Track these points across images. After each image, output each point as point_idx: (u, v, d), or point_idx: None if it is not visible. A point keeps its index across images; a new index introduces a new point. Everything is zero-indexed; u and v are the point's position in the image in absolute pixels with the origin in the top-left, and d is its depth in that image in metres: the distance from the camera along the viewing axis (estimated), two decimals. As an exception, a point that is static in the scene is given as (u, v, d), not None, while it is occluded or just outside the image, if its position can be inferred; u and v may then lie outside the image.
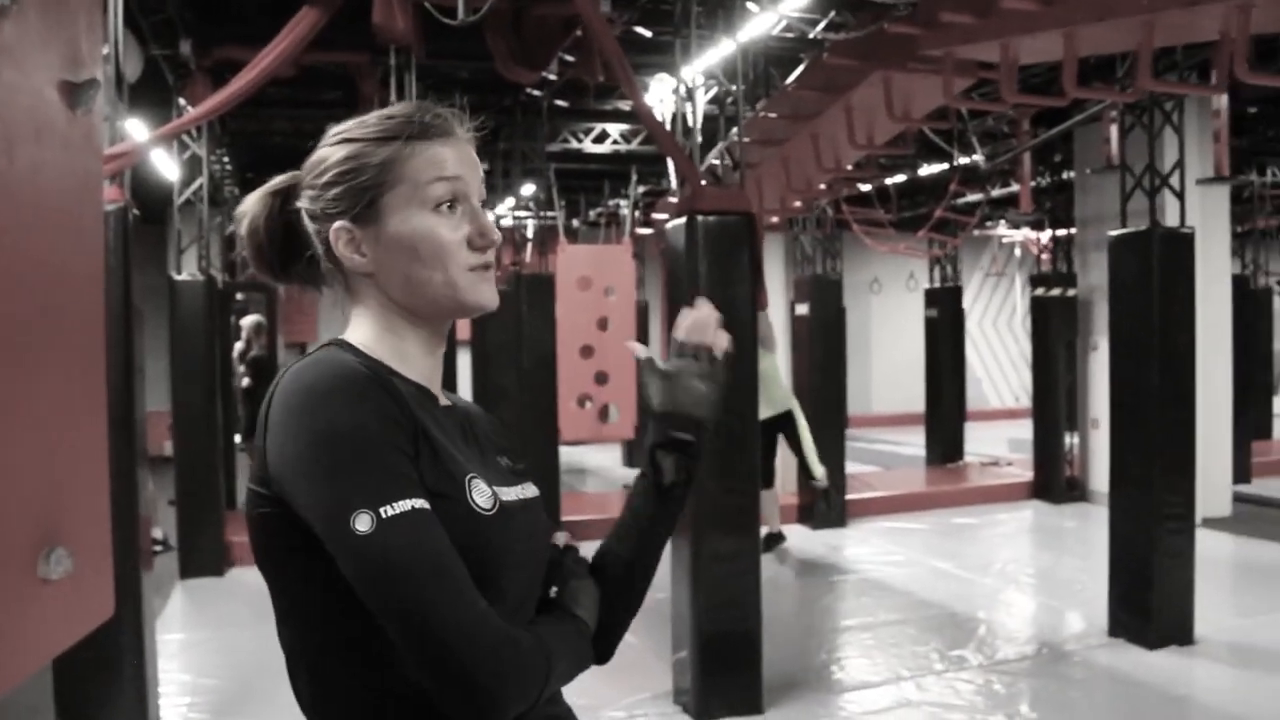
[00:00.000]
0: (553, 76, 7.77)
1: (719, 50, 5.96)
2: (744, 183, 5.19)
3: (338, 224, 1.20)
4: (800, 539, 8.66)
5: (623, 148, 11.18)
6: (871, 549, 8.38)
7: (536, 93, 8.72)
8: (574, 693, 1.26)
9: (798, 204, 8.87)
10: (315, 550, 1.07)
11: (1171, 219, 5.94)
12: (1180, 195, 5.98)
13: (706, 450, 1.31)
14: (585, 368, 9.64)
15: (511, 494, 1.22)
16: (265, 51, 4.75)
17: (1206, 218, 8.32)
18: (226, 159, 9.42)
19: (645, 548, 1.31)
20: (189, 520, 7.49)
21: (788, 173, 7.39)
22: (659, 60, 7.93)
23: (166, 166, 9.66)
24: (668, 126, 9.50)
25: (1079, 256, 10.07)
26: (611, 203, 13.55)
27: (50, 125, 1.31)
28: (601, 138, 11.03)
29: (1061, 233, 11.15)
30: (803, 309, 9.76)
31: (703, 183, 5.11)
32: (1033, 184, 10.71)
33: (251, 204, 1.28)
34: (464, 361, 9.44)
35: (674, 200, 9.80)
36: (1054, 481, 10.10)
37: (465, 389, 9.53)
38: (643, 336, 12.96)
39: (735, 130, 5.42)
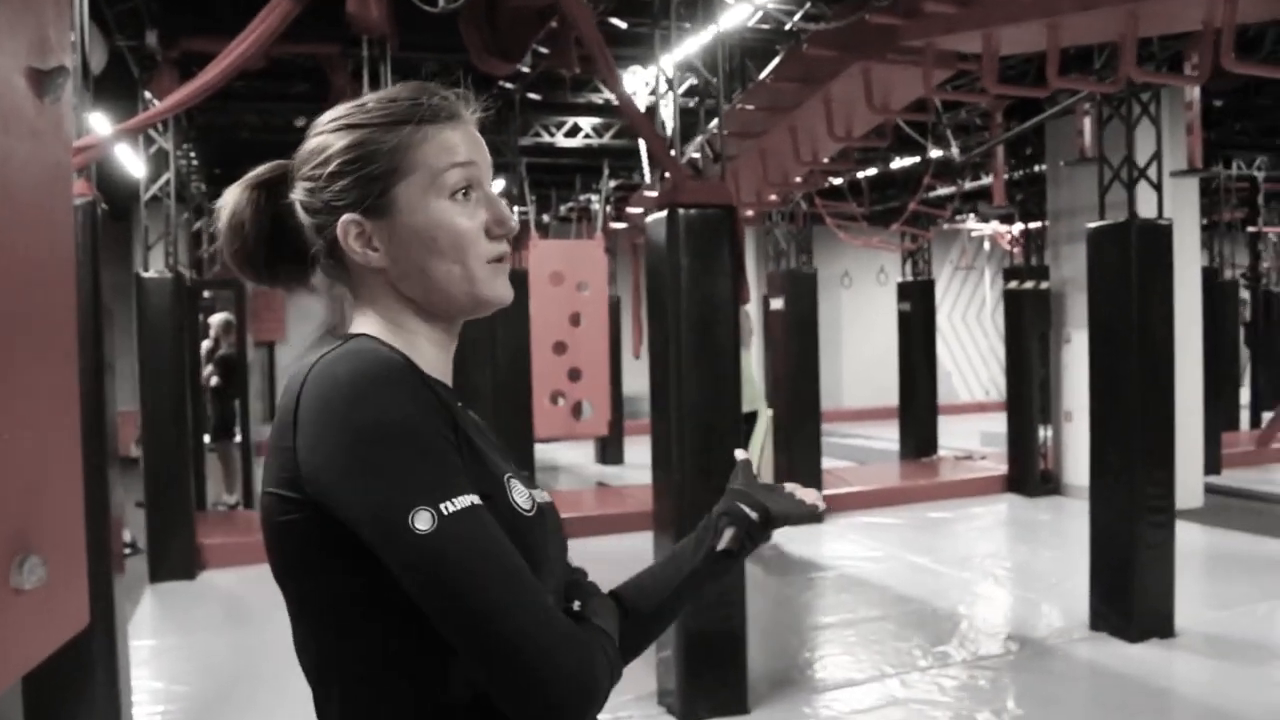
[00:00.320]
0: (525, 69, 7.67)
1: (695, 42, 5.90)
2: (725, 175, 5.11)
3: (346, 217, 1.11)
4: (776, 535, 8.55)
5: (595, 141, 11.11)
6: (849, 544, 8.36)
7: (509, 85, 8.62)
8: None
9: (773, 197, 8.83)
10: (355, 558, 0.99)
11: (1146, 211, 5.93)
12: (1158, 187, 5.98)
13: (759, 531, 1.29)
14: (558, 364, 9.56)
15: (540, 495, 1.16)
16: (237, 41, 4.62)
17: (1176, 210, 8.35)
18: (193, 154, 9.24)
19: (676, 598, 1.25)
20: (158, 523, 7.34)
21: (765, 165, 7.34)
22: (632, 53, 7.86)
23: (130, 161, 9.49)
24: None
25: (1051, 249, 10.10)
26: (583, 197, 13.46)
27: (18, 114, 1.22)
28: (574, 131, 10.94)
29: (1033, 226, 11.18)
30: (777, 304, 9.73)
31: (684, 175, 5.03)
32: (1005, 177, 10.72)
33: (233, 197, 1.18)
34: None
35: (650, 194, 9.77)
36: (1028, 475, 10.13)
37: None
38: (614, 332, 12.89)
39: (715, 122, 5.35)
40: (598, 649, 1.03)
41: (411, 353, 1.12)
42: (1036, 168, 10.80)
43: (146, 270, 7.54)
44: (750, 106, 6.92)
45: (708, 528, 1.26)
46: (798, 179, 8.10)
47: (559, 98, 9.49)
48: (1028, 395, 10.20)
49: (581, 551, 1.36)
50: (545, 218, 13.94)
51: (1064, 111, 8.34)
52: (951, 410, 15.91)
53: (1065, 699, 5.10)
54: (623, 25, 7.02)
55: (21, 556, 1.13)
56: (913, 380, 12.14)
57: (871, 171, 12.01)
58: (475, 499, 0.98)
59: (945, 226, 14.71)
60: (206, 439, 9.23)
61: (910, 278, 12.90)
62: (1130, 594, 5.69)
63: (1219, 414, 11.04)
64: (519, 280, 8.92)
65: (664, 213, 4.99)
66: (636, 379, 16.49)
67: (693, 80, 6.17)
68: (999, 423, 12.97)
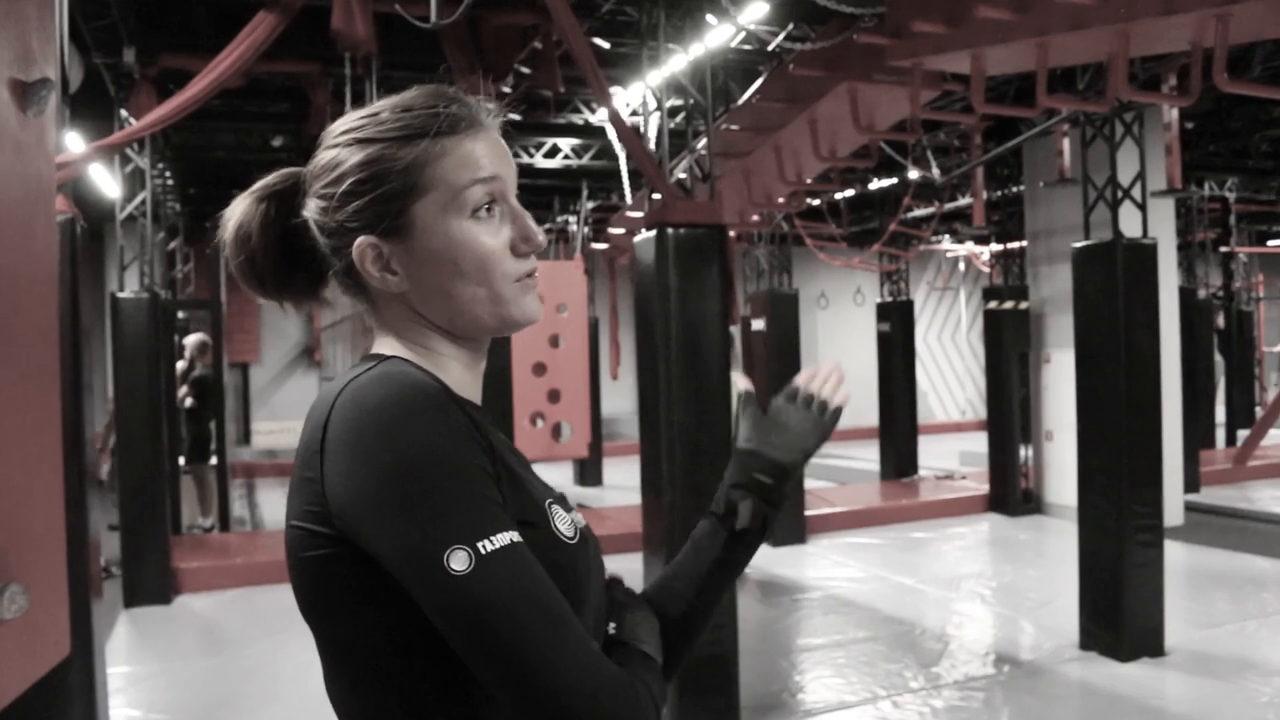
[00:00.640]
0: (506, 89, 7.64)
1: (679, 61, 5.87)
2: (714, 194, 5.09)
3: (362, 239, 1.04)
4: (761, 556, 8.54)
5: (574, 163, 11.09)
6: (833, 565, 8.32)
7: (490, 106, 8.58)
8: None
9: (756, 218, 8.82)
10: (387, 596, 0.93)
11: (1127, 230, 5.95)
12: (1143, 207, 6.00)
13: (777, 492, 1.22)
14: (538, 385, 9.48)
15: (580, 520, 1.11)
16: (220, 58, 4.56)
17: (1155, 230, 8.40)
18: (168, 174, 9.13)
19: (706, 591, 1.19)
20: (133, 546, 7.20)
21: (749, 186, 7.32)
22: (614, 73, 7.85)
23: (104, 181, 9.38)
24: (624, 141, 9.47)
25: (1030, 270, 10.15)
26: (561, 218, 13.43)
27: (1, 126, 1.17)
28: (553, 152, 10.92)
29: (1012, 246, 11.24)
30: (759, 324, 9.71)
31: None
32: (984, 198, 10.79)
33: (241, 208, 1.11)
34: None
35: (632, 214, 9.76)
36: (1010, 494, 10.13)
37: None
38: (593, 353, 12.84)
39: (703, 142, 5.33)
40: (643, 690, 0.97)
41: (441, 375, 1.06)
42: (1014, 189, 10.87)
43: (122, 290, 7.42)
44: (735, 126, 6.91)
45: (720, 507, 1.20)
46: (781, 199, 8.10)
47: (539, 118, 9.46)
48: (1008, 415, 10.21)
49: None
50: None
51: (1043, 133, 8.39)
52: (929, 430, 15.96)
53: (1058, 719, 5.06)
54: (605, 45, 7.00)
55: (2, 585, 1.08)
56: (892, 400, 12.14)
57: (850, 193, 12.06)
58: (515, 536, 0.92)
59: (922, 248, 14.78)
60: (181, 461, 9.09)
61: (889, 298, 12.93)
62: (1120, 613, 5.67)
63: (1196, 432, 11.10)
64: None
65: (653, 232, 4.95)
66: (614, 400, 16.54)
67: (675, 100, 6.16)
68: (977, 442, 13.04)
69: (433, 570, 0.89)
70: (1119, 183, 6.00)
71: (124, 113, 7.03)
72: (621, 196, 11.23)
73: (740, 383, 1.30)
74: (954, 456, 13.24)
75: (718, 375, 5.04)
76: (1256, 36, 4.47)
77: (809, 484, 9.85)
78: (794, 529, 9.14)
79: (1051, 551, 8.57)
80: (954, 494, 10.72)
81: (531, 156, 10.81)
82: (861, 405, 16.09)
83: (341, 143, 1.07)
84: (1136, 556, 5.67)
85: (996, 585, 7.60)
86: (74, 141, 6.45)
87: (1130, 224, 6.00)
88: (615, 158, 10.02)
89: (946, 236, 16.18)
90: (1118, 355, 5.68)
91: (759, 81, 6.94)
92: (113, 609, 6.95)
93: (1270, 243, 17.61)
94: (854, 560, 8.47)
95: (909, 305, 12.50)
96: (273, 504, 12.11)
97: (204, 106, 5.37)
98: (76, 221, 4.10)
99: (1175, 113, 8.09)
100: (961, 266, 19.33)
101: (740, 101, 7.12)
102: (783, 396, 1.26)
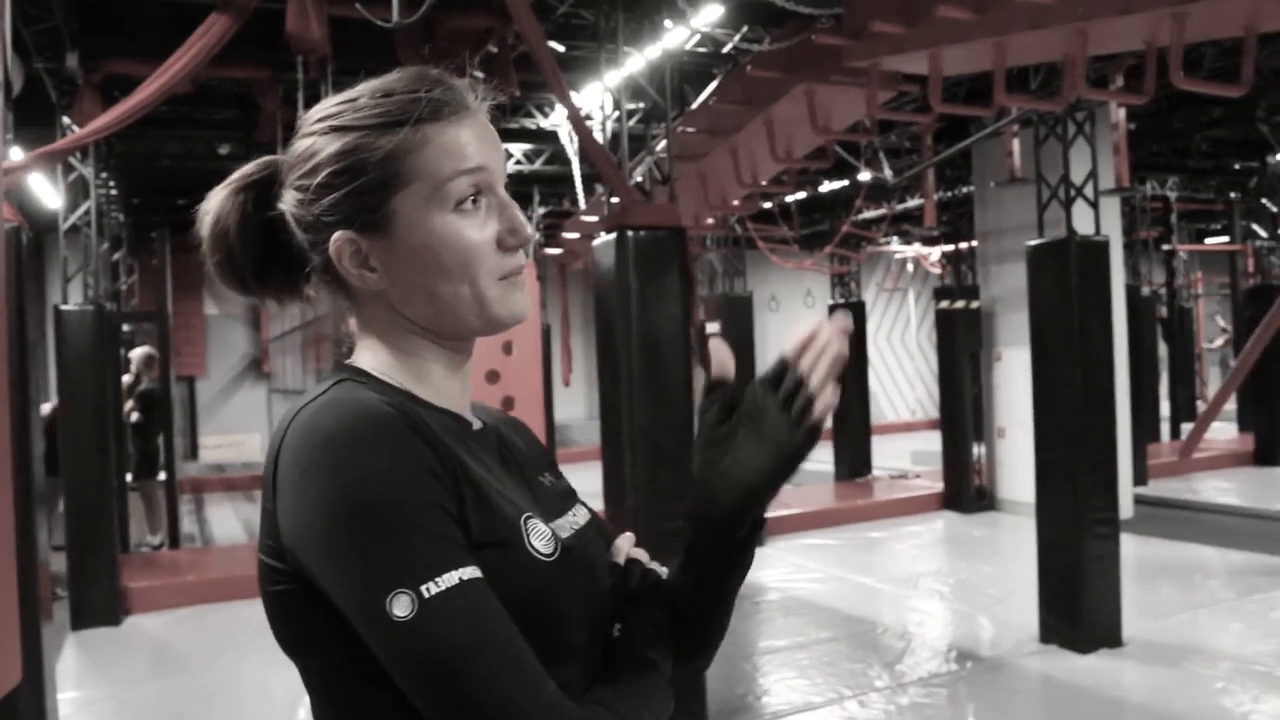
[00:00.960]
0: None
1: (636, 64, 5.86)
2: (674, 197, 5.07)
3: (339, 234, 0.98)
4: (721, 559, 8.54)
5: (525, 168, 11.03)
6: (791, 567, 8.33)
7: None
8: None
9: (711, 220, 8.82)
10: (350, 631, 0.88)
11: (1080, 228, 6.02)
12: (1095, 204, 6.08)
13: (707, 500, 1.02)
14: (492, 393, 9.39)
15: (566, 527, 1.04)
16: (169, 62, 4.46)
17: (1102, 228, 8.55)
18: (112, 183, 8.93)
19: (708, 594, 1.09)
20: (80, 567, 6.98)
21: (705, 188, 7.32)
22: (570, 77, 7.81)
23: (44, 190, 9.15)
24: (574, 147, 9.44)
25: (981, 269, 10.27)
26: (512, 224, 13.33)
27: None
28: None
29: (961, 246, 11.36)
30: (713, 327, 9.72)
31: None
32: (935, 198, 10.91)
33: (217, 201, 1.05)
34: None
35: (586, 218, 9.73)
36: (964, 492, 10.23)
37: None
38: (546, 360, 12.77)
39: (661, 144, 5.31)
40: None
41: (418, 382, 1.02)
42: (964, 189, 10.99)
43: (66, 302, 7.23)
44: (691, 129, 6.90)
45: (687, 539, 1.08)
46: (737, 201, 8.11)
47: (492, 123, 9.39)
48: (961, 413, 10.31)
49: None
50: (474, 245, 13.77)
51: (993, 134, 8.49)
52: (881, 430, 16.06)
53: (1022, 712, 5.11)
54: (561, 49, 6.96)
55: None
56: (845, 401, 12.15)
57: (802, 195, 12.12)
58: (465, 574, 0.86)
59: (870, 249, 14.92)
60: (128, 478, 8.88)
61: (840, 300, 13.01)
62: (1079, 606, 5.73)
63: (1143, 426, 11.30)
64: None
65: (613, 235, 4.92)
66: (566, 407, 16.48)
67: (631, 104, 6.14)
68: (928, 441, 13.16)
69: (374, 615, 0.85)
70: (1072, 181, 6.08)
71: (66, 120, 6.86)
72: (574, 202, 11.19)
73: (723, 365, 1.09)
74: (906, 456, 13.35)
75: (679, 378, 5.02)
76: (1210, 36, 4.55)
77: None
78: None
79: (1007, 547, 8.66)
80: (908, 493, 10.80)
81: (483, 161, 10.73)
82: (814, 407, 16.17)
83: (317, 130, 1.00)
84: (1093, 549, 5.74)
85: (954, 582, 7.66)
86: (13, 150, 6.29)
87: (1081, 222, 6.08)
88: (567, 163, 9.97)
89: (895, 238, 16.33)
90: (1072, 351, 5.75)
91: (714, 84, 6.94)
92: (60, 631, 6.75)
93: (1209, 240, 18.00)
94: (812, 561, 8.50)
95: (861, 306, 12.60)
96: (222, 519, 11.88)
97: (150, 113, 5.25)
98: (22, 230, 3.98)
99: (1123, 113, 8.22)
100: (910, 267, 19.54)
101: (696, 104, 7.11)
102: (764, 381, 1.03)
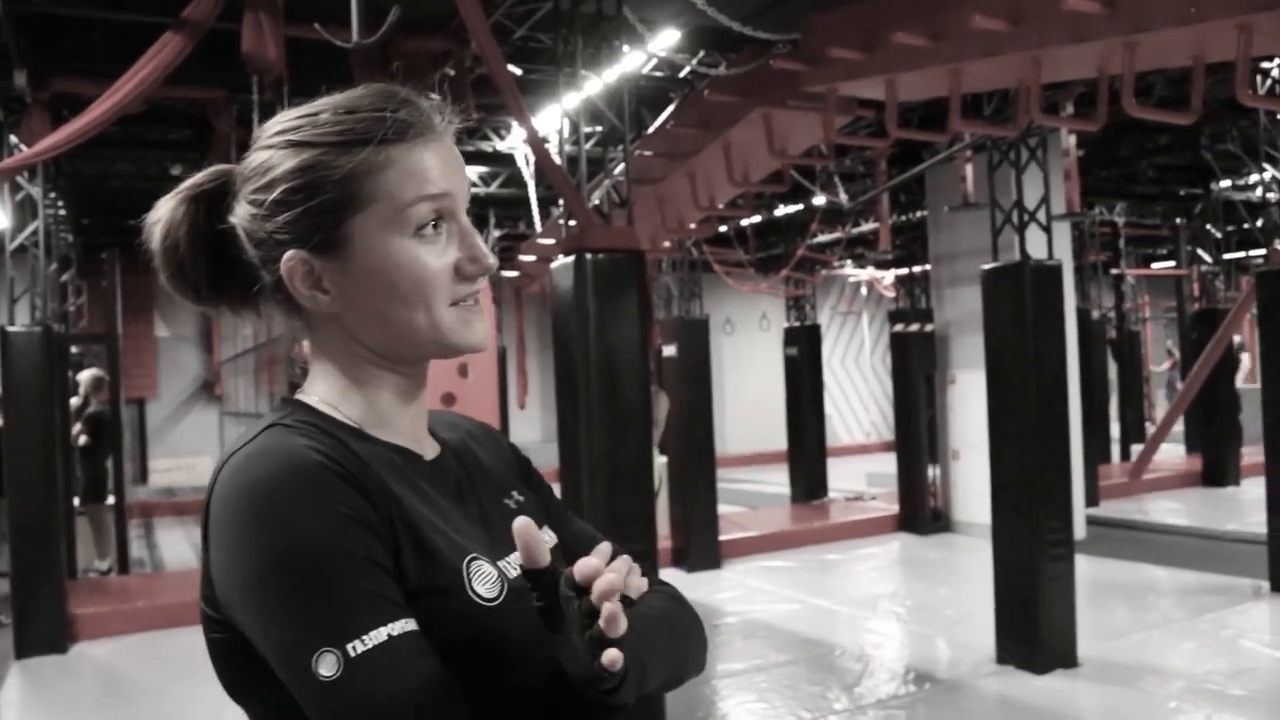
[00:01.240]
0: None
1: (593, 87, 5.88)
2: (632, 220, 5.08)
3: (292, 253, 0.95)
4: (677, 583, 8.36)
5: (481, 190, 11.02)
6: (749, 590, 8.33)
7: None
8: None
9: (667, 244, 8.85)
10: (281, 684, 0.86)
11: (1033, 252, 6.11)
12: (1048, 229, 6.18)
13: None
14: (448, 416, 9.37)
15: (514, 568, 0.99)
16: (122, 81, 4.40)
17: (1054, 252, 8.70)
18: (60, 203, 8.78)
19: None
20: (25, 593, 6.80)
21: (662, 211, 7.34)
22: (526, 100, 7.82)
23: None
24: (530, 170, 9.44)
25: (935, 292, 10.38)
26: (468, 247, 13.29)
27: None
28: (460, 179, 10.82)
29: (915, 270, 11.49)
30: (670, 350, 9.73)
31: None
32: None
33: (166, 211, 1.01)
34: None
35: (543, 241, 9.71)
36: (919, 514, 10.30)
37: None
38: (502, 383, 12.73)
39: (621, 167, 5.32)
40: None
41: (368, 412, 0.99)
42: (917, 214, 11.12)
43: (12, 324, 7.09)
44: (648, 152, 6.93)
45: None
46: (693, 225, 8.14)
47: (447, 145, 9.37)
48: (916, 435, 10.40)
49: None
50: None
51: (946, 159, 8.61)
52: (835, 452, 16.15)
53: (981, 735, 5.14)
54: (518, 72, 6.97)
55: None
56: (801, 424, 12.26)
57: (757, 219, 12.21)
58: (396, 628, 0.84)
59: (825, 273, 15.04)
60: (76, 502, 8.69)
61: (796, 323, 13.08)
62: (1035, 626, 5.77)
63: (1095, 447, 11.45)
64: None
65: (571, 258, 4.92)
66: (521, 430, 16.39)
67: (588, 127, 6.16)
68: (883, 463, 13.25)
69: (301, 674, 0.82)
70: (1025, 206, 6.17)
71: (14, 139, 6.75)
72: (529, 224, 11.19)
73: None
74: (861, 478, 13.42)
75: (638, 401, 5.02)
76: (1160, 64, 4.66)
77: (722, 509, 9.85)
78: (709, 554, 9.14)
79: (962, 569, 8.73)
80: (864, 515, 10.86)
81: (439, 184, 10.70)
82: (769, 429, 16.26)
83: (275, 144, 0.97)
84: (1049, 570, 5.78)
85: (911, 604, 7.69)
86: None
87: (1034, 246, 6.17)
88: (523, 185, 9.98)
89: (850, 261, 16.49)
90: (1027, 373, 5.81)
91: (671, 107, 6.98)
92: (3, 660, 6.58)
93: (1155, 265, 18.35)
94: (769, 583, 8.50)
95: (816, 330, 12.67)
96: (172, 544, 11.65)
97: (101, 133, 5.18)
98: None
99: (1073, 139, 8.37)
100: (864, 291, 19.71)
101: (653, 128, 7.15)
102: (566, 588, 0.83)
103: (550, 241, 9.16)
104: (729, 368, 18.96)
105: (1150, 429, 14.49)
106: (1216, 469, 12.59)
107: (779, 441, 12.82)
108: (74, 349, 9.89)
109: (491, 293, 11.03)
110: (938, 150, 8.60)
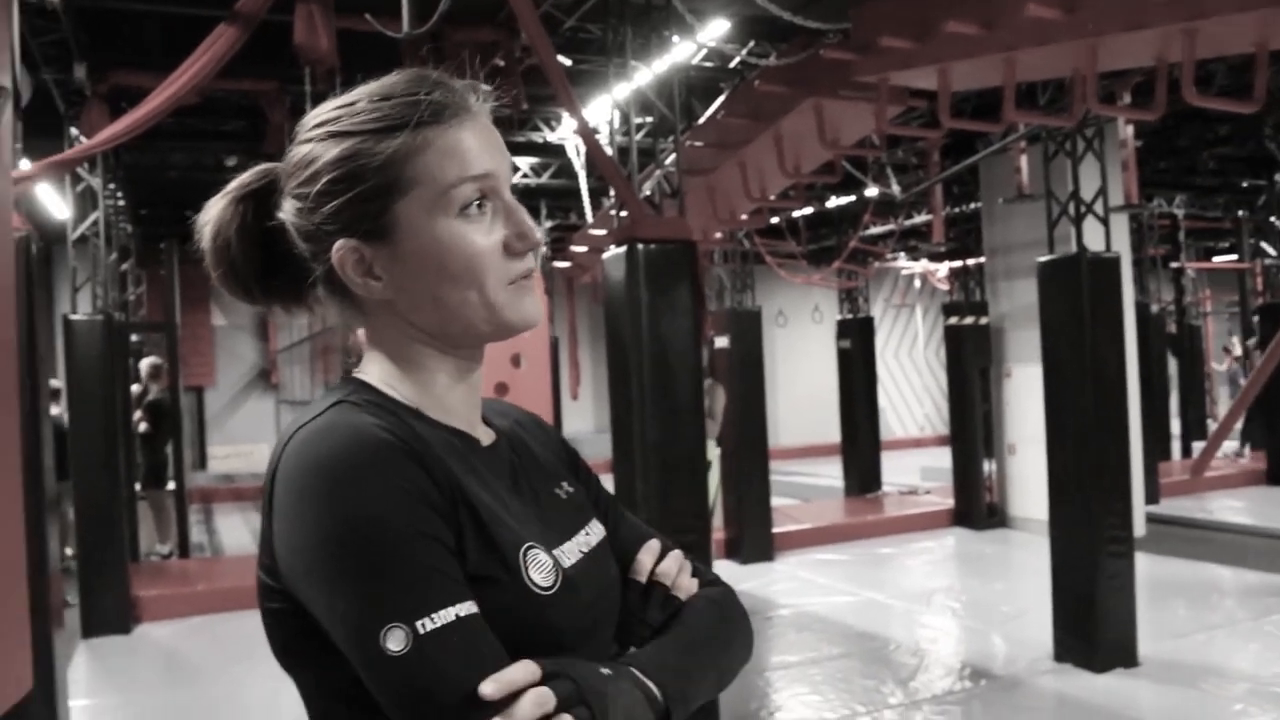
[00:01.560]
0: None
1: (643, 77, 5.86)
2: (684, 210, 5.06)
3: (341, 243, 0.96)
4: (730, 574, 8.46)
5: (532, 181, 11.04)
6: (802, 582, 8.29)
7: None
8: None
9: (719, 235, 8.81)
10: (338, 657, 0.87)
11: (1090, 244, 5.99)
12: (1105, 221, 6.06)
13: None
14: (500, 407, 9.42)
15: (574, 551, 1.01)
16: (177, 73, 4.46)
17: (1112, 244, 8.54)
18: (119, 194, 8.95)
19: None
20: (91, 575, 7.00)
21: (713, 202, 7.31)
22: (576, 91, 7.83)
23: (52, 201, 9.18)
24: (581, 161, 9.45)
25: (989, 285, 10.23)
26: (520, 238, 13.34)
27: None
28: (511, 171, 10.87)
29: (969, 262, 11.34)
30: (722, 342, 9.69)
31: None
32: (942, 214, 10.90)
33: (215, 212, 1.02)
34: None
35: (595, 231, 9.73)
36: (974, 508, 10.17)
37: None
38: (555, 374, 12.78)
39: (672, 157, 5.30)
40: None
41: (425, 397, 0.99)
42: (971, 205, 10.97)
43: (75, 312, 7.24)
44: (699, 143, 6.89)
45: None
46: (745, 216, 8.10)
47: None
48: (971, 429, 10.26)
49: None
50: (481, 259, 13.79)
51: (1000, 150, 8.48)
52: (889, 446, 16.03)
53: (1036, 733, 5.06)
54: (568, 62, 6.97)
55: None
56: (854, 417, 12.16)
57: (809, 210, 12.11)
58: (461, 610, 0.85)
59: (878, 265, 14.90)
60: (137, 487, 8.88)
61: (849, 315, 12.98)
62: (1094, 624, 5.68)
63: (1155, 444, 11.23)
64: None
65: (623, 248, 4.90)
66: (574, 421, 16.44)
67: (638, 118, 6.15)
68: (937, 458, 13.12)
69: (367, 648, 0.83)
70: (1081, 197, 6.05)
71: (74, 131, 6.88)
72: (581, 215, 11.20)
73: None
74: (916, 472, 13.30)
75: (691, 392, 5.00)
76: (1221, 52, 4.54)
77: (775, 501, 9.82)
78: (762, 546, 9.11)
79: (1018, 565, 8.61)
80: (919, 509, 10.75)
81: (490, 175, 10.75)
82: (822, 422, 16.16)
83: (315, 137, 0.98)
84: (1108, 568, 5.68)
85: (966, 599, 7.60)
86: (22, 161, 6.29)
87: (1092, 238, 6.06)
88: (574, 176, 9.99)
89: (903, 254, 16.32)
90: (1084, 368, 5.71)
91: (722, 98, 6.94)
92: (70, 639, 6.74)
93: (1216, 259, 17.96)
94: (823, 577, 8.45)
95: (869, 322, 12.56)
96: (231, 529, 11.87)
97: (158, 125, 5.26)
98: (32, 240, 3.98)
99: (1131, 129, 8.21)
100: (918, 283, 19.51)
101: (703, 118, 7.11)
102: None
103: (602, 232, 9.16)
104: (782, 360, 18.87)
105: (1212, 426, 14.19)
106: (1280, 467, 12.30)
107: (832, 434, 12.74)
108: (134, 337, 10.07)
109: (544, 283, 11.09)
110: (992, 141, 8.46)
